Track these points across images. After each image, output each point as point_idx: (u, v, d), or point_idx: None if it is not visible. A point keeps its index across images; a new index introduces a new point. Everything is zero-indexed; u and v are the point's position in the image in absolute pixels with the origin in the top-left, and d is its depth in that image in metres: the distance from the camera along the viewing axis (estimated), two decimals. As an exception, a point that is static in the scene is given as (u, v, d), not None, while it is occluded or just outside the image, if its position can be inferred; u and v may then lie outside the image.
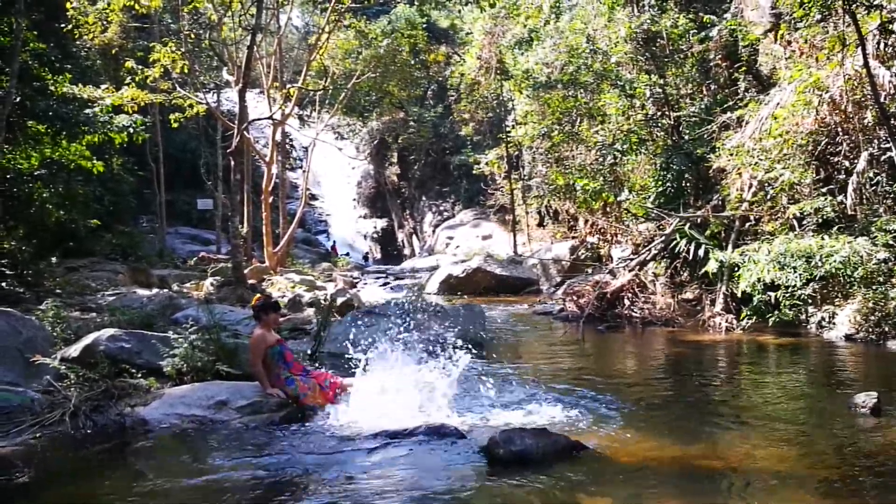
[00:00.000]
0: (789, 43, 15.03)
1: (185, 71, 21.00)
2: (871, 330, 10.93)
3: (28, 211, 17.66)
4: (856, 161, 12.44)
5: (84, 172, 19.01)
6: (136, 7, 20.03)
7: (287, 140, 37.14)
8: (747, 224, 14.20)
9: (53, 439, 6.04)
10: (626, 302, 14.53)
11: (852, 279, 11.20)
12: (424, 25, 34.38)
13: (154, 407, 6.79)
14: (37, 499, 5.04)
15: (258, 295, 7.20)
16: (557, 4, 23.59)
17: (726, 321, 12.90)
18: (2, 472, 5.17)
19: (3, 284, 14.32)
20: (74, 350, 7.95)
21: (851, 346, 10.80)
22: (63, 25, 19.99)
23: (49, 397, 6.77)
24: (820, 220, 12.53)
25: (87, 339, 8.09)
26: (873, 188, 12.29)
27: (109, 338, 8.07)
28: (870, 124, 12.64)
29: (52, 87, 16.88)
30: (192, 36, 22.87)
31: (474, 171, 33.47)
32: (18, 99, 15.58)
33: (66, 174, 18.63)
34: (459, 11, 41.27)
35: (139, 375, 7.47)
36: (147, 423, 6.50)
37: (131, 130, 18.62)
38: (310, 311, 14.46)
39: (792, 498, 4.92)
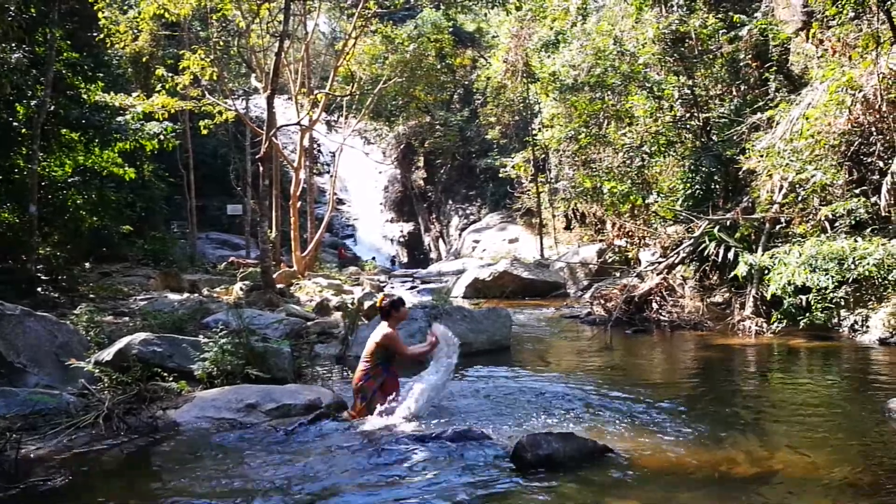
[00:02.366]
0: (821, 41, 14.85)
1: (214, 78, 21.20)
2: (906, 333, 10.76)
3: (62, 217, 17.95)
4: (890, 161, 12.24)
5: (116, 179, 19.32)
6: (166, 15, 20.29)
7: (315, 145, 37.33)
8: (778, 226, 14.05)
9: (88, 441, 6.15)
10: (655, 305, 14.41)
11: (887, 282, 11.03)
12: (451, 29, 34.36)
13: (185, 410, 6.88)
14: (71, 500, 5.12)
15: (382, 296, 7.22)
16: (584, 6, 23.47)
17: (756, 325, 12.73)
18: (38, 473, 5.26)
19: (39, 290, 14.58)
20: (108, 354, 8.08)
21: (886, 349, 10.59)
22: (95, 35, 20.30)
23: (83, 400, 6.91)
24: (853, 222, 12.36)
25: (120, 343, 8.23)
26: (908, 189, 12.09)
27: (142, 342, 8.21)
28: (904, 124, 12.46)
29: (85, 96, 17.21)
30: (221, 43, 23.08)
31: (500, 175, 33.45)
32: (52, 107, 15.88)
33: (98, 181, 18.91)
34: (486, 15, 41.30)
35: (170, 379, 7.58)
36: (178, 426, 6.59)
37: (162, 137, 18.91)
38: (337, 315, 14.57)
39: None
